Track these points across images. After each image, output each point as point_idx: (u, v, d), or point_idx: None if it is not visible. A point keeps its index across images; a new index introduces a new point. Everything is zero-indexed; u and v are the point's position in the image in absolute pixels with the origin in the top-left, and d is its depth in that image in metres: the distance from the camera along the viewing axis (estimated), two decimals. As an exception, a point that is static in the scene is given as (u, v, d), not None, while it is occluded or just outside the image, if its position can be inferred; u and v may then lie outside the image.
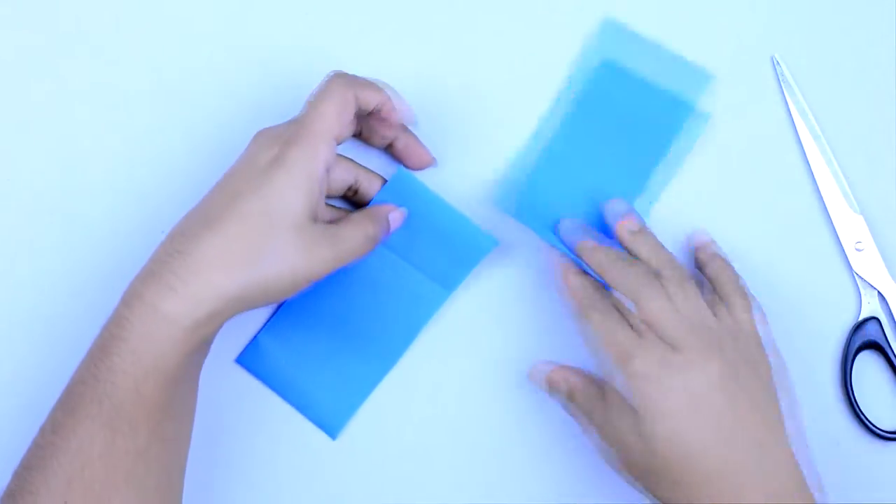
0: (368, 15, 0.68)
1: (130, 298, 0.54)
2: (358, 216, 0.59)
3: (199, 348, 0.55)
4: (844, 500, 0.63)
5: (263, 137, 0.58)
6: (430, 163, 0.64)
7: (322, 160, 0.56)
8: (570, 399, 0.59)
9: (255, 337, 0.64)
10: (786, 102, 0.67)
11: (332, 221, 0.59)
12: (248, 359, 0.64)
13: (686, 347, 0.55)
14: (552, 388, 0.60)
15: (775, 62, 0.68)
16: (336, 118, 0.57)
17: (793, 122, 0.67)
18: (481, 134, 0.66)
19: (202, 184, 0.65)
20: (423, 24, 0.68)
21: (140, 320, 0.53)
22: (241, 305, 0.55)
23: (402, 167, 0.63)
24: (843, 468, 0.64)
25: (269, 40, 0.68)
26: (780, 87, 0.67)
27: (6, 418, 0.63)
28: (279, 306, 0.64)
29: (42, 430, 0.54)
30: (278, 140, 0.56)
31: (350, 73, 0.60)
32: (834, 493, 0.63)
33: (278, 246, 0.54)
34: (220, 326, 0.56)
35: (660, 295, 0.57)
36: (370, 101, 0.59)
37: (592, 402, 0.57)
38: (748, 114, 0.67)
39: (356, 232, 0.58)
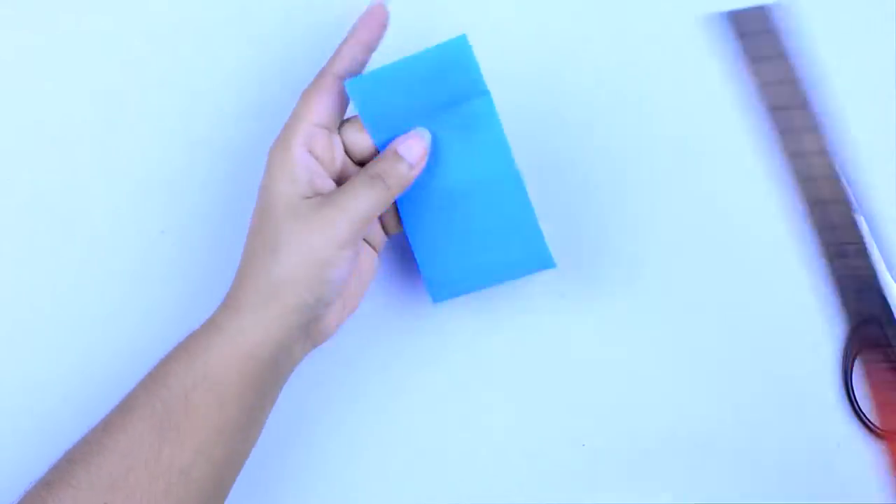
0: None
1: (206, 322, 0.56)
2: (361, 170, 0.58)
3: (257, 371, 0.54)
4: (844, 500, 0.63)
5: None
6: (384, 14, 0.58)
7: (296, 144, 0.56)
8: None
9: (422, 274, 0.61)
10: (786, 102, 0.67)
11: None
12: (438, 291, 0.62)
13: None
14: None
15: (775, 62, 0.68)
16: (308, 104, 0.56)
17: (793, 122, 0.67)
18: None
19: (202, 184, 0.65)
20: None
21: (202, 332, 0.55)
22: (295, 313, 0.55)
23: (345, 82, 0.58)
24: (843, 468, 0.64)
25: (271, 39, 0.68)
26: (780, 87, 0.68)
27: (4, 418, 0.63)
28: (411, 241, 0.61)
29: (94, 429, 0.54)
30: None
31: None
32: (834, 493, 0.63)
33: (284, 237, 0.54)
34: (283, 349, 0.55)
35: None
36: (350, 57, 0.57)
37: None
38: (748, 114, 0.68)
39: (358, 184, 0.56)
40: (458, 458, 0.64)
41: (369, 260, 0.61)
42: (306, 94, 0.57)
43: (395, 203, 0.61)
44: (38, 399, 0.63)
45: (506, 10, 0.68)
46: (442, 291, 0.62)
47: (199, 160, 0.66)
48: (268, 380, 0.56)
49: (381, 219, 0.61)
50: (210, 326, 0.55)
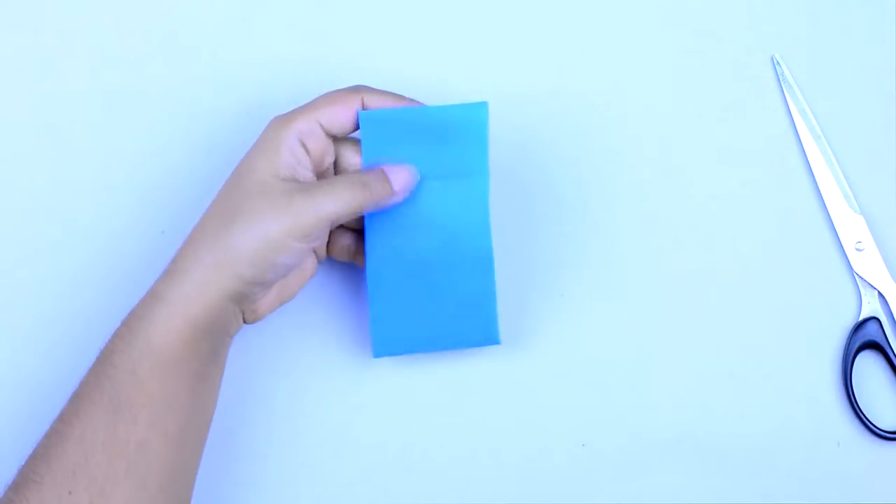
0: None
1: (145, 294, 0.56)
2: (347, 174, 0.58)
3: (198, 338, 0.54)
4: (844, 500, 0.63)
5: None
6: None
7: (293, 128, 0.56)
8: None
9: (371, 327, 0.61)
10: (786, 102, 0.67)
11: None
12: (382, 348, 0.61)
13: None
14: None
15: (775, 62, 0.68)
16: (326, 110, 0.57)
17: (793, 122, 0.67)
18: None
19: (202, 184, 0.65)
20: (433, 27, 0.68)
21: (143, 305, 0.55)
22: (233, 283, 0.54)
23: (359, 111, 0.59)
24: (843, 468, 0.64)
25: (271, 40, 0.68)
26: (780, 87, 0.68)
27: (4, 419, 0.63)
28: (369, 293, 0.61)
29: (52, 422, 0.54)
30: (268, 124, 0.58)
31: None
32: (834, 493, 0.63)
33: (246, 208, 0.54)
34: (221, 315, 0.55)
35: None
36: (380, 103, 0.58)
37: None
38: (748, 114, 0.67)
39: (339, 183, 0.56)
40: (458, 458, 0.64)
41: (313, 260, 0.61)
42: (331, 98, 0.58)
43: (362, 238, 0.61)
44: (36, 398, 0.62)
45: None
46: (385, 348, 0.62)
47: (199, 160, 0.66)
48: (206, 348, 0.56)
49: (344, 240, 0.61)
50: (150, 298, 0.55)
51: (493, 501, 0.63)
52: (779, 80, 0.68)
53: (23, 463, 0.54)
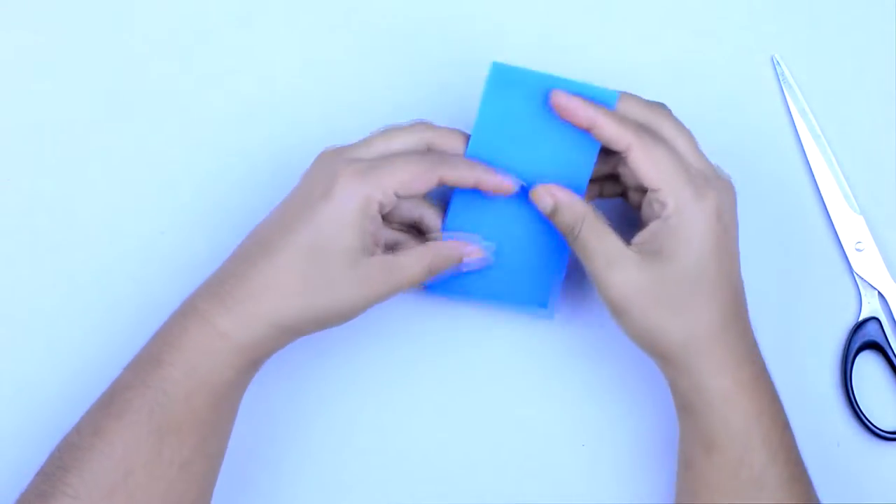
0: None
1: (188, 310, 0.55)
2: (423, 249, 0.58)
3: (249, 369, 0.56)
4: (844, 500, 0.63)
5: (323, 162, 0.57)
6: (510, 188, 0.59)
7: (375, 201, 0.55)
8: (552, 214, 0.58)
9: None
10: (786, 102, 0.67)
11: (392, 246, 0.59)
12: (437, 282, 0.62)
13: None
14: (537, 200, 0.58)
15: (775, 62, 0.68)
16: (405, 184, 0.56)
17: (793, 122, 0.67)
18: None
19: (202, 184, 0.65)
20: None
21: (198, 334, 0.54)
22: (295, 333, 0.56)
23: (493, 62, 0.58)
24: (843, 468, 0.64)
25: (271, 40, 0.68)
26: (780, 87, 0.68)
27: (4, 418, 0.63)
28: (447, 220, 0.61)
29: (79, 431, 0.54)
30: (334, 169, 0.56)
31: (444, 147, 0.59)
32: (834, 493, 0.63)
33: (331, 280, 0.55)
34: (273, 352, 0.56)
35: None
36: (458, 182, 0.58)
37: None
38: (748, 114, 0.67)
39: (415, 265, 0.57)
40: (458, 458, 0.64)
41: None
42: (409, 167, 0.56)
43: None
44: (36, 399, 0.62)
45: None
46: (440, 283, 0.62)
47: (198, 161, 0.66)
48: (254, 375, 0.57)
49: None
50: (207, 327, 0.54)
51: (493, 501, 0.63)
52: (779, 80, 0.68)
53: (45, 470, 0.53)
